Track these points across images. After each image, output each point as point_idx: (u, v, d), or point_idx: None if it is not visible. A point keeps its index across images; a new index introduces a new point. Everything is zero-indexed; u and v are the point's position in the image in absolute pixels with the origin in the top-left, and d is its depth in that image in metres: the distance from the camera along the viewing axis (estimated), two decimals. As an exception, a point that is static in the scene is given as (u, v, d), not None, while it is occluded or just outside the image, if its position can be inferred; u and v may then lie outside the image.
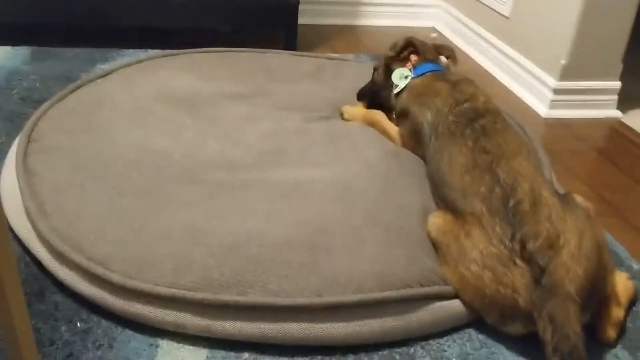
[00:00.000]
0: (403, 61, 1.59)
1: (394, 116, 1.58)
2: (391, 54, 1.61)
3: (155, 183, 1.28)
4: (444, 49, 1.65)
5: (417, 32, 2.81)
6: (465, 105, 1.32)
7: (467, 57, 2.59)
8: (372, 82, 1.70)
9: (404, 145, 1.50)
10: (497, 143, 1.19)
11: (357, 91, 1.74)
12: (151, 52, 2.18)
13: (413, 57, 1.58)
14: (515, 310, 0.99)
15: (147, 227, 1.14)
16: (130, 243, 1.10)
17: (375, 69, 1.70)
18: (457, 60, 1.63)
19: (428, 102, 1.39)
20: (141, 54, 2.18)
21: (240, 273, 1.05)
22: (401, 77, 1.54)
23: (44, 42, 2.22)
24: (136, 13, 2.25)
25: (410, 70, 1.55)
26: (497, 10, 2.43)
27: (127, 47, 2.25)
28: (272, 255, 1.08)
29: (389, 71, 1.61)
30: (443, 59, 1.63)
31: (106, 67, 2.06)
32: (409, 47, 1.60)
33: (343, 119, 1.68)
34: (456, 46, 2.70)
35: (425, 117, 1.38)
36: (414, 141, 1.43)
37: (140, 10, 2.25)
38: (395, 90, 1.54)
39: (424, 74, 1.52)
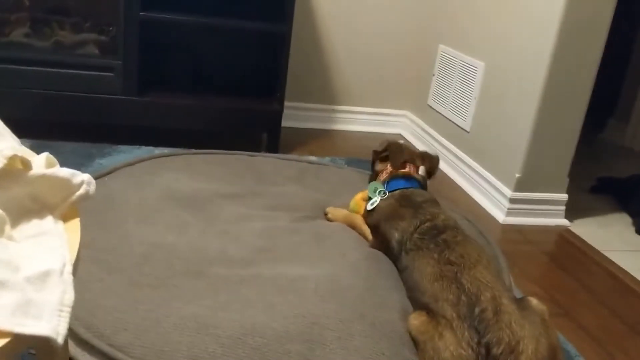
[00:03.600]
0: (383, 161, 1.81)
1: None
2: (376, 150, 1.84)
3: (165, 276, 1.43)
4: (429, 160, 1.81)
5: (386, 138, 3.10)
6: (427, 224, 1.51)
7: (432, 163, 2.86)
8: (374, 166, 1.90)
9: (374, 247, 1.68)
10: (459, 254, 1.37)
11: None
12: (144, 149, 2.37)
13: (385, 172, 1.76)
14: (482, 410, 1.16)
15: (161, 317, 1.28)
16: (147, 332, 1.24)
17: (372, 164, 1.91)
18: (435, 175, 1.83)
19: (394, 225, 1.58)
20: (136, 150, 2.36)
21: (246, 361, 1.20)
22: (375, 191, 1.71)
23: (42, 136, 2.37)
24: (133, 114, 2.45)
25: (383, 184, 1.72)
26: (458, 124, 2.72)
27: (123, 144, 2.43)
28: (274, 346, 1.23)
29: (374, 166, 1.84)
30: (422, 169, 1.78)
31: (104, 162, 2.23)
32: (385, 152, 1.80)
33: (327, 218, 1.87)
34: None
35: (393, 236, 1.56)
36: (386, 252, 1.62)
37: (137, 112, 2.45)
38: (369, 208, 1.69)
39: (394, 191, 1.68)
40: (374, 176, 1.86)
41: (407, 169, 1.76)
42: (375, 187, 1.73)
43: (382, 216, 1.64)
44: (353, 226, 1.80)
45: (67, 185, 0.72)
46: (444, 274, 1.34)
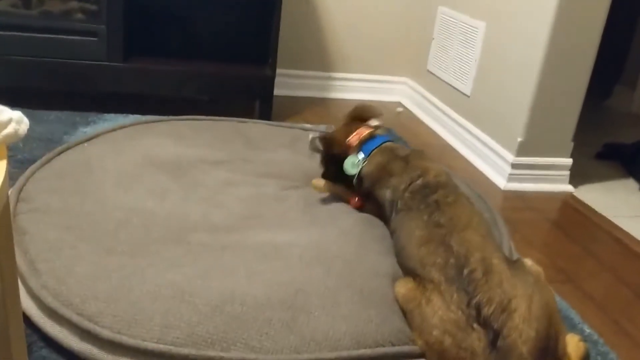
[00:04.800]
0: (343, 153, 1.60)
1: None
2: (328, 152, 1.64)
3: (142, 243, 1.35)
4: (361, 112, 1.67)
5: (384, 106, 3.00)
6: (418, 182, 1.41)
7: (430, 130, 2.76)
8: (329, 176, 1.70)
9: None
10: (449, 217, 1.28)
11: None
12: (131, 117, 2.28)
13: (353, 142, 1.59)
14: (475, 372, 1.08)
15: (135, 285, 1.20)
16: (119, 301, 1.16)
17: (325, 167, 1.70)
18: (381, 113, 1.67)
19: (385, 183, 1.48)
20: (121, 118, 2.27)
21: (224, 330, 1.12)
22: (353, 165, 1.56)
23: (25, 105, 2.29)
24: (118, 80, 2.36)
25: (357, 154, 1.57)
26: (458, 89, 2.62)
27: (108, 112, 2.34)
28: (255, 314, 1.16)
29: (338, 164, 1.61)
30: (373, 121, 1.65)
31: (88, 130, 2.14)
32: (329, 143, 1.62)
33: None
34: (420, 120, 2.88)
35: (385, 196, 1.47)
36: (381, 216, 1.53)
37: (122, 78, 2.36)
38: (355, 182, 1.56)
39: (372, 152, 1.55)
40: (331, 159, 1.66)
41: (366, 129, 1.62)
42: (351, 162, 1.57)
43: (371, 181, 1.53)
44: (341, 196, 1.69)
45: (-8, 123, 0.63)
46: (431, 237, 1.25)
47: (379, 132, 1.63)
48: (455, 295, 1.12)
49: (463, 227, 1.25)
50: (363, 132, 1.61)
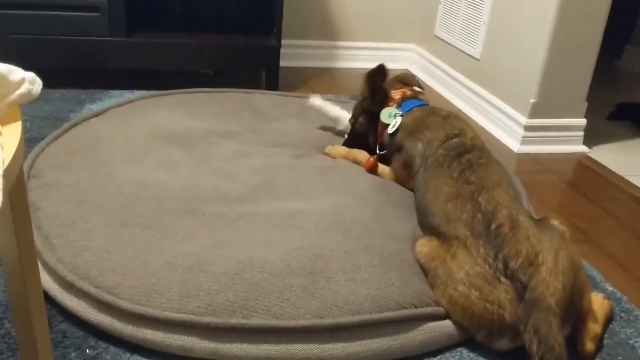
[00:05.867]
0: (381, 103, 1.66)
1: (377, 152, 1.66)
2: (366, 102, 1.68)
3: (155, 216, 1.33)
4: (406, 78, 1.76)
5: (391, 74, 2.96)
6: (455, 140, 1.41)
7: (440, 96, 2.72)
8: (355, 132, 1.75)
9: (397, 178, 1.58)
10: (479, 176, 1.27)
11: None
12: (137, 93, 2.25)
13: (395, 95, 1.67)
14: (502, 325, 1.06)
15: (151, 257, 1.19)
16: (136, 272, 1.15)
17: (354, 119, 1.75)
18: (424, 88, 1.75)
19: (420, 136, 1.48)
20: (127, 94, 2.24)
21: (244, 298, 1.10)
22: (390, 116, 1.61)
23: (32, 84, 2.27)
24: (122, 56, 2.32)
25: (397, 107, 1.63)
26: (468, 52, 2.57)
27: (114, 89, 2.31)
28: (274, 281, 1.14)
29: (372, 116, 1.68)
30: (416, 88, 1.72)
31: (94, 107, 2.11)
32: (377, 91, 1.66)
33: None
34: (429, 86, 2.84)
35: (417, 149, 1.46)
36: (406, 173, 1.51)
37: (126, 53, 2.32)
38: (391, 130, 1.58)
39: (411, 109, 1.60)
40: (371, 102, 1.69)
41: (408, 90, 1.69)
42: (389, 112, 1.62)
43: (407, 132, 1.54)
44: (357, 162, 1.68)
45: (4, 83, 0.61)
46: (460, 193, 1.24)
47: (421, 97, 1.68)
48: (482, 249, 1.11)
49: (493, 186, 1.23)
50: (406, 91, 1.68)
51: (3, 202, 0.49)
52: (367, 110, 1.71)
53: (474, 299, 1.08)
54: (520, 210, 1.18)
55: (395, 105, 1.64)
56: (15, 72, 0.62)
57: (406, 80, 1.75)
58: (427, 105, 1.64)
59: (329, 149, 1.76)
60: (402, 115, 1.59)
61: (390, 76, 1.72)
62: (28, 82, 0.63)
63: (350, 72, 2.96)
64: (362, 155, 1.70)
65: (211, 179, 1.52)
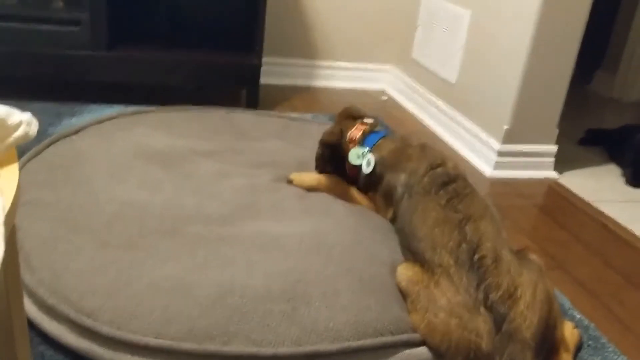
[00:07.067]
0: (347, 144, 1.61)
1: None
2: (333, 141, 1.64)
3: (137, 236, 1.33)
4: (353, 111, 1.69)
5: (369, 94, 3.01)
6: (439, 169, 1.42)
7: (415, 119, 2.77)
8: (323, 167, 1.70)
9: (374, 207, 1.58)
10: (466, 205, 1.30)
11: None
12: (116, 107, 2.25)
13: (355, 136, 1.61)
14: (478, 354, 1.10)
15: (133, 279, 1.19)
16: (117, 295, 1.15)
17: (321, 158, 1.68)
18: (375, 116, 1.71)
19: (402, 167, 1.48)
20: (107, 108, 2.23)
21: (224, 323, 1.11)
22: (358, 156, 1.57)
23: (8, 96, 2.24)
24: (103, 69, 2.32)
25: (361, 146, 1.59)
26: (443, 77, 2.63)
27: (93, 102, 2.30)
28: (255, 306, 1.15)
29: (338, 155, 1.63)
30: (368, 119, 1.67)
31: (73, 120, 2.11)
32: (330, 141, 1.64)
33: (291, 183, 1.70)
34: (405, 108, 2.89)
35: (399, 179, 1.47)
36: (385, 202, 1.54)
37: (107, 67, 2.32)
38: (368, 171, 1.55)
39: (377, 143, 1.57)
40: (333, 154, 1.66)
41: (363, 125, 1.64)
42: (356, 154, 1.58)
43: (386, 165, 1.53)
44: (329, 189, 1.66)
45: (2, 126, 0.62)
46: (447, 219, 1.27)
47: (377, 128, 1.65)
48: (464, 279, 1.14)
49: (478, 217, 1.27)
50: (362, 127, 1.63)
51: (5, 251, 0.50)
52: (334, 152, 1.66)
53: (453, 326, 1.12)
54: (503, 244, 1.22)
55: (358, 145, 1.60)
56: (12, 115, 0.64)
57: (353, 113, 1.70)
58: (389, 134, 1.62)
59: (294, 176, 1.71)
60: (371, 151, 1.57)
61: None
62: (25, 124, 0.64)
63: (329, 91, 3.00)
64: (335, 182, 1.67)
65: (193, 199, 1.53)
